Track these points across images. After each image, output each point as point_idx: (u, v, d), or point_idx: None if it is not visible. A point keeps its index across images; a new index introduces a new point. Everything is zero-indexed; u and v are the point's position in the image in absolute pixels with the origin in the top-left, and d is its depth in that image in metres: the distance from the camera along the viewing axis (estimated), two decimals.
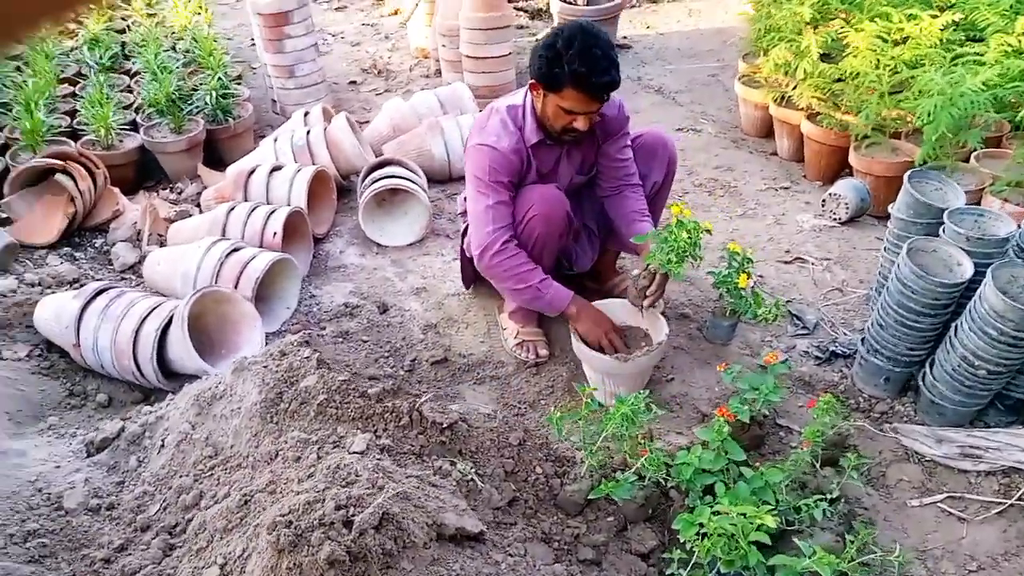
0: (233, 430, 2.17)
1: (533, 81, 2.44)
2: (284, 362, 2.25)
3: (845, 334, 2.92)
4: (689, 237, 2.38)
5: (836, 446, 2.40)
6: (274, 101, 4.85)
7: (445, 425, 2.12)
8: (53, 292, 3.03)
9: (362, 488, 1.74)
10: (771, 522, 1.81)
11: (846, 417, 2.59)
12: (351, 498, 1.66)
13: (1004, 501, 2.28)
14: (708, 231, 2.52)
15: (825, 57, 4.08)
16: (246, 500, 1.86)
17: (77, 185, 3.44)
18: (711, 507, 1.95)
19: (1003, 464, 2.33)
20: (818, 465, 2.31)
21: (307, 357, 2.24)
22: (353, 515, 1.63)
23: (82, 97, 4.23)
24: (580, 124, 2.43)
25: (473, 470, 2.08)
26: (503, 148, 2.51)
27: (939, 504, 2.32)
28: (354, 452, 1.96)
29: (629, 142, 2.73)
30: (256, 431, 2.12)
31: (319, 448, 1.97)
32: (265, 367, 2.24)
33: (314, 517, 1.61)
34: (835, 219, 3.59)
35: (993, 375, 2.30)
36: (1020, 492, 2.29)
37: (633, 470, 2.12)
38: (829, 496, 2.19)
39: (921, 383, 2.51)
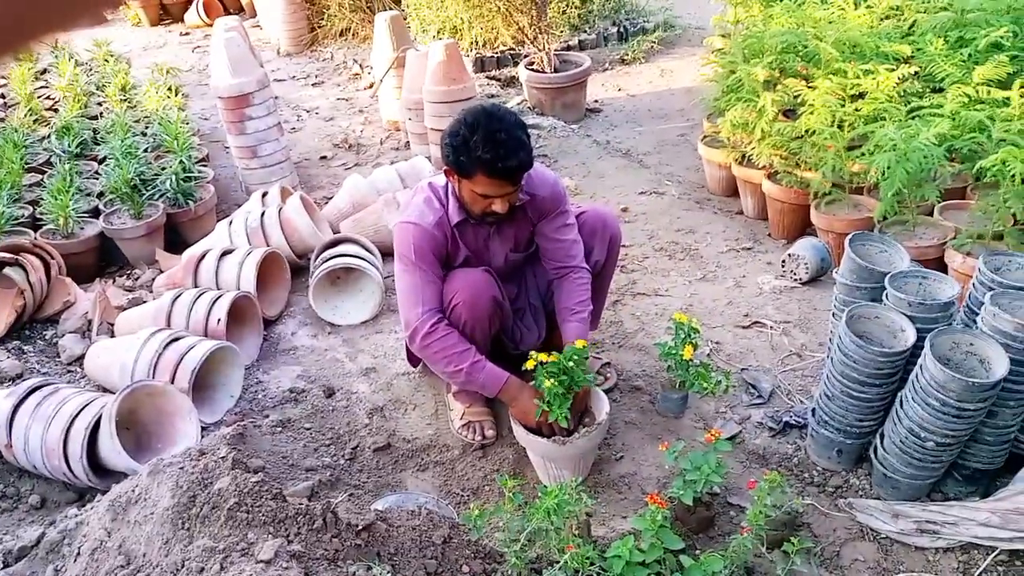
0: (146, 537, 2.08)
1: (446, 168, 2.42)
2: (200, 463, 2.17)
3: (801, 402, 2.82)
4: (564, 377, 2.38)
5: (786, 526, 2.28)
6: (241, 181, 4.86)
7: (361, 527, 2.02)
8: None
9: None
10: None
11: (800, 492, 2.48)
12: None
13: None
14: (587, 355, 2.51)
15: (788, 113, 4.06)
16: None
17: (28, 277, 3.42)
18: None
19: (960, 540, 2.21)
20: (765, 548, 2.20)
21: (223, 457, 2.16)
22: None
23: (47, 186, 4.25)
24: (498, 207, 2.39)
25: (390, 574, 1.97)
26: (426, 224, 2.49)
27: None
28: (260, 560, 1.87)
29: (571, 220, 2.67)
30: (167, 538, 2.03)
31: (224, 557, 1.88)
32: (181, 468, 2.17)
33: None
34: (796, 279, 3.51)
35: (942, 447, 2.19)
36: (979, 569, 2.16)
37: (560, 566, 2.02)
38: None
39: (873, 456, 2.40)
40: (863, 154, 3.50)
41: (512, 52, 6.66)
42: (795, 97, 3.86)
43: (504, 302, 2.62)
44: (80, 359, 3.28)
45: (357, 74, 7.03)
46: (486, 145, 2.25)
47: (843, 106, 3.64)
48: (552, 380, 2.34)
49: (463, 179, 2.38)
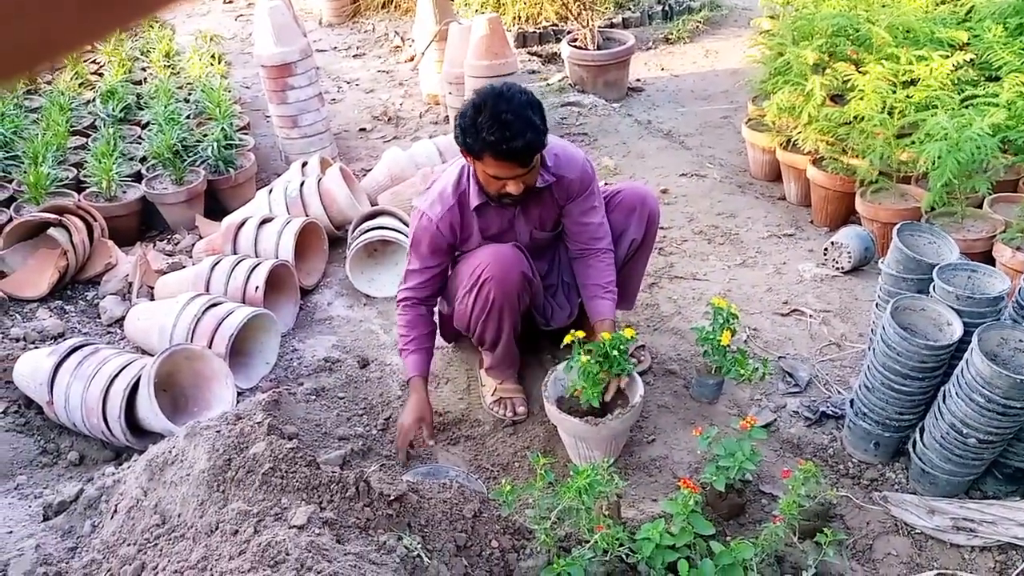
0: (181, 498, 2.11)
1: (461, 149, 2.40)
2: (237, 427, 2.19)
3: (839, 392, 2.78)
4: (604, 361, 2.38)
5: (819, 517, 2.25)
6: (281, 150, 4.88)
7: (393, 497, 2.03)
8: (36, 347, 3.04)
9: (287, 570, 1.67)
10: None
11: (834, 484, 2.45)
12: None
13: None
14: (635, 342, 2.61)
15: (836, 99, 3.97)
16: None
17: (71, 238, 3.47)
18: None
19: (999, 539, 2.17)
20: (797, 538, 2.18)
21: (259, 422, 2.18)
22: None
23: (91, 149, 4.31)
24: (512, 188, 2.35)
25: (420, 545, 1.99)
26: (433, 215, 2.50)
27: None
28: (294, 526, 1.89)
29: (597, 203, 2.63)
30: (202, 500, 2.06)
31: (258, 521, 1.90)
32: (218, 432, 2.19)
33: None
34: (837, 268, 3.45)
35: (984, 444, 2.14)
36: (1017, 571, 2.12)
37: (589, 545, 2.01)
38: (805, 573, 2.06)
39: (912, 450, 2.36)
40: (913, 142, 3.42)
41: (555, 28, 6.60)
42: (844, 82, 3.77)
43: (535, 278, 2.59)
44: (120, 321, 3.33)
45: (398, 47, 7.00)
46: (492, 126, 2.20)
47: (894, 92, 3.55)
48: (587, 357, 2.33)
49: (475, 160, 2.35)
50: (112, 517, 2.22)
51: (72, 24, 0.34)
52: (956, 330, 2.22)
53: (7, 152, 4.25)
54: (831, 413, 2.67)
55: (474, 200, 2.48)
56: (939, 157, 3.17)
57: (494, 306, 2.49)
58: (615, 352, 2.36)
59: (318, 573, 1.67)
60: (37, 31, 0.33)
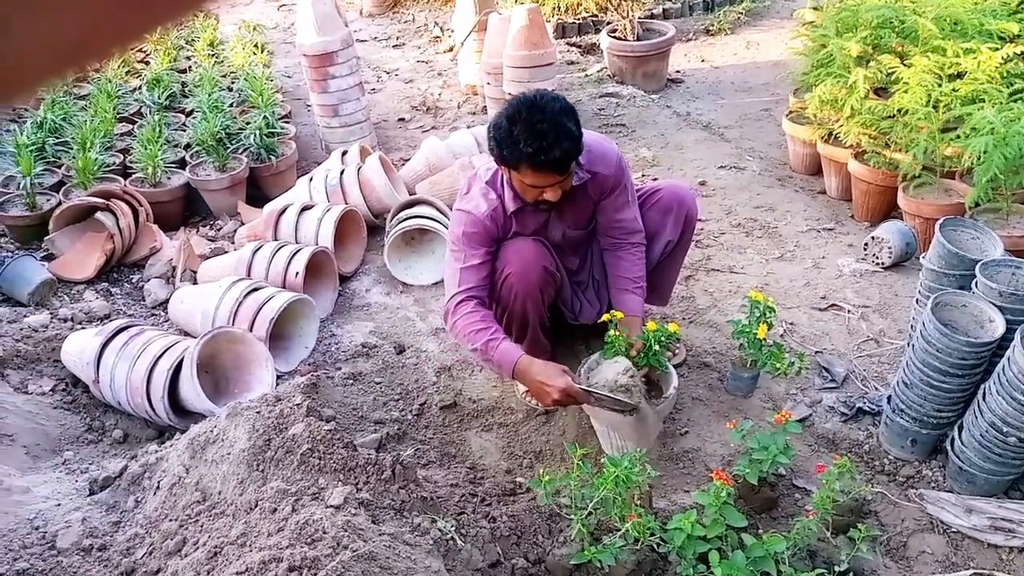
0: (222, 476, 2.17)
1: (495, 158, 2.38)
2: (276, 408, 2.24)
3: (877, 389, 2.75)
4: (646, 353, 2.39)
5: (853, 512, 2.24)
6: (322, 139, 4.94)
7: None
8: (83, 328, 3.13)
9: (324, 548, 1.70)
10: None
11: (869, 480, 2.43)
12: (306, 559, 1.63)
13: None
14: (676, 337, 2.57)
15: (880, 92, 3.91)
16: (216, 552, 1.84)
17: (118, 223, 3.56)
18: None
19: None
20: (830, 533, 2.17)
21: (298, 404, 2.23)
22: None
23: (137, 136, 4.40)
24: (550, 195, 2.33)
25: (454, 528, 2.02)
26: (480, 214, 2.45)
27: None
28: (331, 505, 1.93)
29: (631, 197, 2.61)
30: (242, 478, 2.12)
31: (296, 500, 1.95)
32: (258, 412, 2.24)
33: None
34: (878, 263, 3.41)
35: None
36: None
37: (620, 534, 2.02)
38: (837, 568, 2.05)
39: (950, 448, 2.33)
40: (958, 137, 3.35)
41: (594, 19, 6.57)
42: (888, 75, 3.71)
43: (558, 272, 2.58)
44: (164, 303, 3.41)
45: (438, 37, 7.03)
46: (529, 137, 2.18)
47: (939, 86, 3.49)
48: (616, 331, 2.34)
49: (511, 170, 2.34)
50: (155, 493, 2.29)
51: (107, 25, 0.34)
52: (998, 327, 2.18)
53: (57, 138, 4.36)
54: (868, 409, 2.65)
55: (511, 206, 2.46)
56: (985, 152, 3.11)
57: (517, 299, 2.49)
58: (655, 346, 2.36)
59: (354, 552, 1.70)
60: (74, 31, 0.33)
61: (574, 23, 6.57)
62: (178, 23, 0.36)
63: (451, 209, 3.75)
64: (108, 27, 0.34)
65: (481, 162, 3.97)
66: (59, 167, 4.20)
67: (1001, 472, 2.21)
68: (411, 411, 2.82)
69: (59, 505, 2.31)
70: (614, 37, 5.68)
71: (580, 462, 2.11)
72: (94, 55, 0.35)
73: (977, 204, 3.29)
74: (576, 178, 2.44)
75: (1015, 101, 3.38)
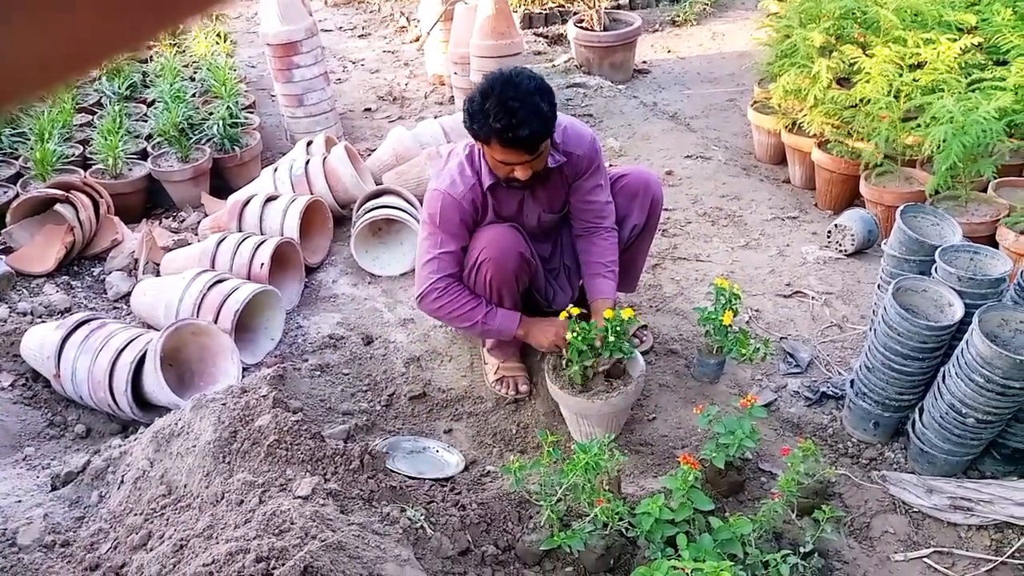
0: (187, 468, 2.14)
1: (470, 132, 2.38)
2: (242, 400, 2.22)
3: (840, 373, 2.80)
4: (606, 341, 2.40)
5: (817, 495, 2.28)
6: (286, 129, 4.89)
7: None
8: (43, 321, 3.07)
9: (292, 538, 1.69)
10: None
11: (833, 463, 2.47)
12: (274, 550, 1.61)
13: (995, 558, 2.13)
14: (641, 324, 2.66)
15: (843, 81, 3.96)
16: (182, 545, 1.82)
17: (78, 215, 3.49)
18: (670, 561, 1.86)
19: (995, 518, 2.19)
20: (796, 515, 2.20)
21: (264, 395, 2.21)
22: (274, 568, 1.58)
23: (97, 127, 4.32)
24: (519, 174, 2.34)
25: (424, 517, 2.01)
26: (456, 194, 2.45)
27: (925, 559, 2.18)
28: (298, 496, 1.91)
29: (603, 180, 2.63)
30: (208, 471, 2.09)
31: (263, 491, 1.93)
32: (223, 404, 2.22)
33: (233, 570, 1.57)
34: (841, 251, 3.46)
35: (983, 424, 2.16)
36: (1013, 549, 2.14)
37: (590, 519, 2.04)
38: (802, 549, 2.08)
39: (911, 430, 2.37)
40: (918, 126, 3.41)
41: (561, 9, 6.57)
42: (851, 65, 3.76)
43: (532, 259, 2.59)
44: (126, 296, 3.35)
45: (404, 27, 6.98)
46: (499, 113, 2.18)
47: (900, 76, 3.54)
48: (575, 335, 2.34)
49: (483, 145, 2.35)
50: (119, 488, 2.26)
51: (91, 36, 0.32)
52: (957, 311, 2.23)
53: (13, 129, 4.26)
54: (831, 393, 2.69)
55: (487, 180, 2.47)
56: (944, 140, 3.16)
57: (492, 286, 2.50)
58: (611, 337, 2.36)
59: (322, 542, 1.69)
60: (60, 43, 0.31)
61: (541, 13, 6.56)
62: (179, 27, 0.34)
63: (419, 200, 3.74)
64: (105, 34, 0.32)
65: (447, 152, 3.96)
66: (16, 159, 4.11)
67: (960, 452, 2.26)
68: (380, 402, 2.81)
69: (20, 501, 2.27)
70: (581, 27, 5.68)
71: (550, 449, 2.12)
72: (90, 63, 0.33)
73: (937, 192, 3.35)
74: (552, 160, 2.44)
75: (973, 91, 3.44)
